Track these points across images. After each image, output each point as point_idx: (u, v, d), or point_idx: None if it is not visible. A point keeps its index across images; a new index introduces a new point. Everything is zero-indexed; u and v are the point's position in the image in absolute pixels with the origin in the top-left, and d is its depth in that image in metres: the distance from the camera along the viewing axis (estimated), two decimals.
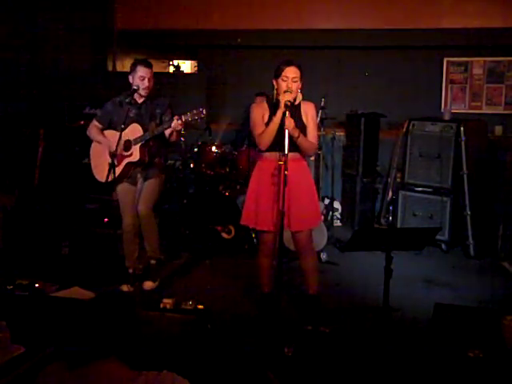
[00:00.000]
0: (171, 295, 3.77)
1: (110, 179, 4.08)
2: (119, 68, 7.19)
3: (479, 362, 2.63)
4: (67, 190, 5.97)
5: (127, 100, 4.17)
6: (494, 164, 5.62)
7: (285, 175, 3.35)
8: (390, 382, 2.99)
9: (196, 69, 7.81)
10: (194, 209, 5.44)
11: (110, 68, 7.13)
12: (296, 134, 3.52)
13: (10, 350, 2.53)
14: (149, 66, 4.22)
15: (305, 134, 3.64)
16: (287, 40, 6.41)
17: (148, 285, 4.42)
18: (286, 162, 3.36)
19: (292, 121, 3.49)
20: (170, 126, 4.05)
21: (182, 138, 5.41)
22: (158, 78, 6.63)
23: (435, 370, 2.69)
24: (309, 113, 3.72)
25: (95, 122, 4.35)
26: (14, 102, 5.71)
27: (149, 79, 4.20)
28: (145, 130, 4.15)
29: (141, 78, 4.17)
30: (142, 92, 4.21)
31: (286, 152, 3.37)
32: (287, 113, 3.46)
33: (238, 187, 5.51)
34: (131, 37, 7.01)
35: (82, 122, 6.02)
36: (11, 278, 3.76)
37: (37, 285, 3.72)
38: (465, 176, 5.33)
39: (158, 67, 8.24)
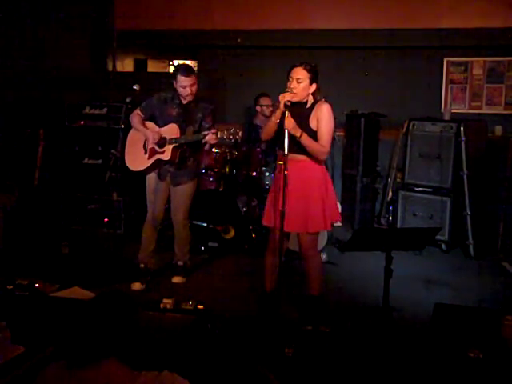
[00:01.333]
0: (171, 295, 3.78)
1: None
2: (119, 68, 7.19)
3: (479, 362, 2.63)
4: (67, 190, 5.97)
5: (171, 98, 4.21)
6: (494, 164, 5.61)
7: (284, 175, 3.36)
8: (390, 382, 2.99)
9: (196, 69, 7.81)
10: (193, 209, 5.43)
11: (110, 68, 7.12)
12: (298, 134, 3.48)
13: (9, 350, 2.53)
14: (189, 74, 4.12)
15: (313, 137, 3.58)
16: (287, 40, 6.40)
17: (177, 279, 4.50)
18: (285, 162, 3.36)
19: (292, 121, 3.46)
20: (204, 138, 4.02)
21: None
22: (158, 78, 6.72)
23: (435, 370, 2.68)
24: (320, 116, 3.59)
25: (138, 111, 4.32)
26: (14, 102, 5.71)
27: (190, 87, 4.12)
28: (182, 133, 4.15)
29: (182, 87, 4.12)
30: (185, 97, 4.18)
31: (286, 152, 3.37)
32: (287, 113, 3.45)
33: (239, 187, 5.50)
34: (131, 37, 7.00)
35: (82, 122, 6.02)
36: (11, 278, 3.76)
37: (37, 285, 3.72)
38: (465, 176, 5.34)
39: (158, 67, 8.26)
